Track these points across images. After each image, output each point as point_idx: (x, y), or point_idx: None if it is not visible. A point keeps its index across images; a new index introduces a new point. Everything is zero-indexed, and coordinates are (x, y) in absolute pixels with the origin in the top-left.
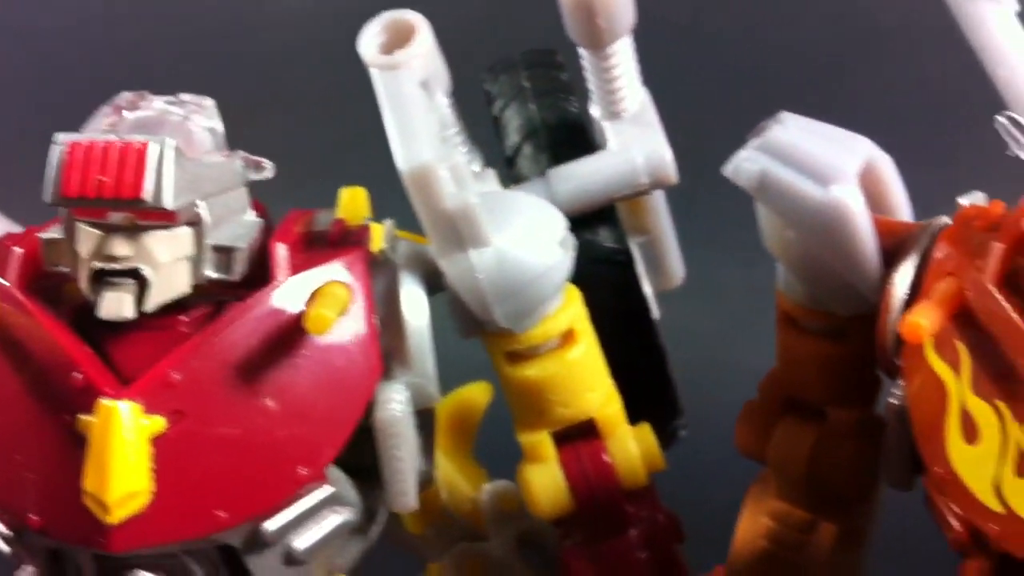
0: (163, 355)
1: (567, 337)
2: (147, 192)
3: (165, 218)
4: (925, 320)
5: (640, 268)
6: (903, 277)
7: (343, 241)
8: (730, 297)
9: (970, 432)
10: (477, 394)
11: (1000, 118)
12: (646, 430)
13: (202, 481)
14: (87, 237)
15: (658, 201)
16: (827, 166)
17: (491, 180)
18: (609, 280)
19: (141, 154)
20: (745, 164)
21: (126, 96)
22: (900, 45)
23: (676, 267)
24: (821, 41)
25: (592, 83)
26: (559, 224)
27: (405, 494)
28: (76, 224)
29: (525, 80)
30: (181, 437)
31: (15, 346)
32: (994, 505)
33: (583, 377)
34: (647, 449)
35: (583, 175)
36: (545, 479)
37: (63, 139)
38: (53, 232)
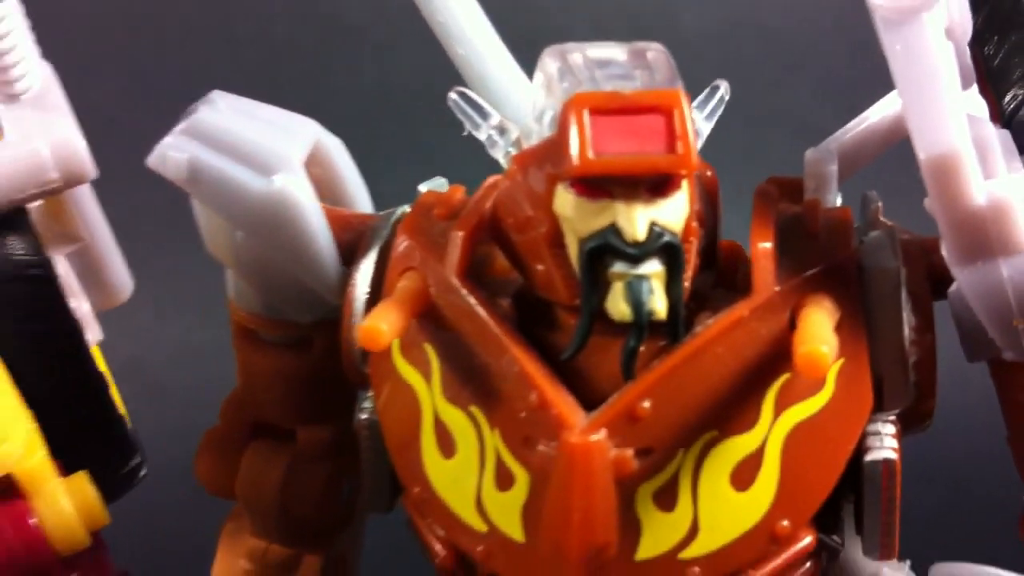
0: None
1: None
2: None
3: None
4: (384, 323)
5: (72, 282)
6: (363, 275)
7: None
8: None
9: (446, 444)
10: None
11: (452, 95)
12: (82, 481)
13: None
14: None
15: (85, 200)
16: (268, 153)
17: None
18: (22, 300)
19: None
20: (171, 152)
21: None
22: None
23: (120, 278)
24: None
25: None
26: None
27: None
28: None
29: None
30: None
31: None
32: (477, 524)
33: None
34: (85, 503)
35: None
36: None
37: None
38: None
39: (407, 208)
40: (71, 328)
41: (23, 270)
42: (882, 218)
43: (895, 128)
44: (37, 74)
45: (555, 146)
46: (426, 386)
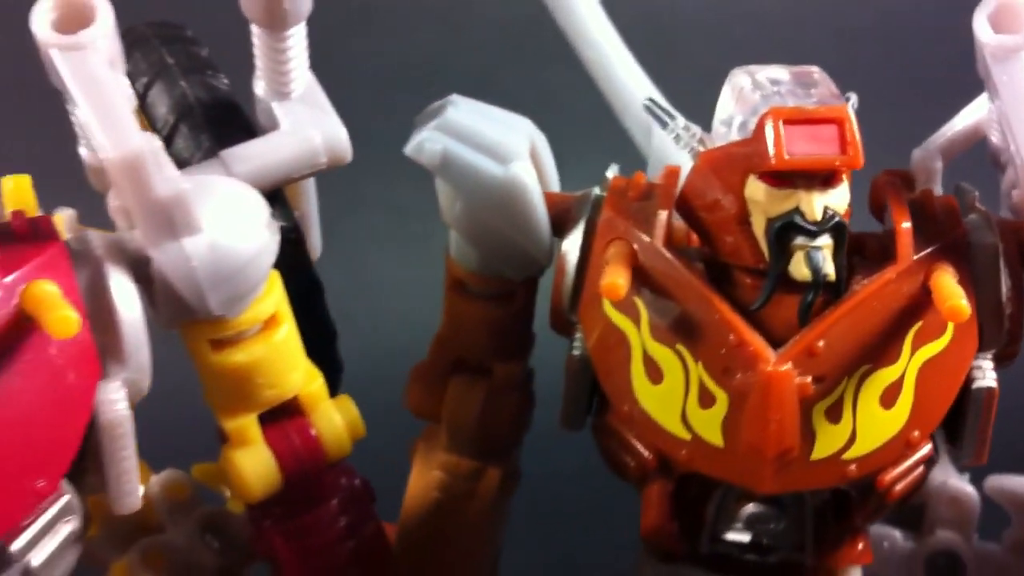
0: None
1: (271, 319)
2: None
3: None
4: (621, 279)
5: None
6: (573, 242)
7: (35, 235)
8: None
9: (654, 374)
10: None
11: (645, 101)
12: (347, 401)
13: None
14: None
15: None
16: (503, 145)
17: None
18: (282, 260)
19: None
20: (428, 144)
21: None
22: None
23: (317, 242)
24: None
25: (262, 62)
26: (263, 206)
27: (131, 494)
28: None
29: (168, 56)
30: None
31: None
32: (682, 433)
33: (287, 357)
34: (350, 419)
35: (261, 155)
36: (254, 461)
37: None
38: None
39: (597, 190)
40: (316, 282)
41: (284, 234)
42: (977, 204)
43: (976, 132)
44: (304, 78)
45: (750, 146)
46: (635, 329)
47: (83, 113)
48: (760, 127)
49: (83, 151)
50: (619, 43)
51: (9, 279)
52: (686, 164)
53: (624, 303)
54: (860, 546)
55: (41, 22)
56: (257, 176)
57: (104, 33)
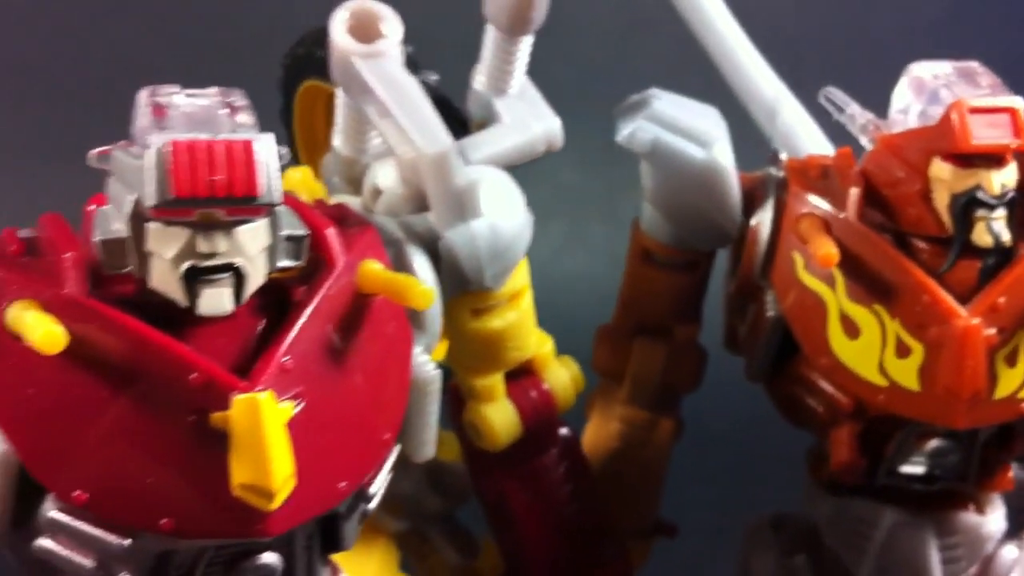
0: (240, 344)
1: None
2: (262, 188)
3: (257, 212)
4: (832, 248)
5: None
6: (765, 217)
7: (344, 220)
8: None
9: (851, 330)
10: None
11: (825, 93)
12: (570, 360)
13: (324, 456)
14: (174, 237)
15: None
16: (704, 132)
17: None
18: None
19: (249, 152)
20: (639, 134)
21: (159, 91)
22: None
23: None
24: None
25: (490, 62)
26: (518, 189)
27: (428, 443)
28: (153, 225)
29: None
30: (303, 418)
31: (95, 358)
32: (880, 381)
33: (529, 322)
34: (574, 375)
35: (493, 145)
36: (502, 414)
37: (160, 140)
38: (105, 233)
39: (772, 169)
40: None
41: None
42: None
43: None
44: (522, 77)
45: (936, 132)
46: (831, 292)
47: (394, 114)
48: (947, 116)
49: (337, 141)
50: (741, 33)
51: (348, 258)
52: (809, 146)
53: (817, 270)
54: (1009, 474)
55: (340, 32)
56: (490, 163)
57: (399, 40)
